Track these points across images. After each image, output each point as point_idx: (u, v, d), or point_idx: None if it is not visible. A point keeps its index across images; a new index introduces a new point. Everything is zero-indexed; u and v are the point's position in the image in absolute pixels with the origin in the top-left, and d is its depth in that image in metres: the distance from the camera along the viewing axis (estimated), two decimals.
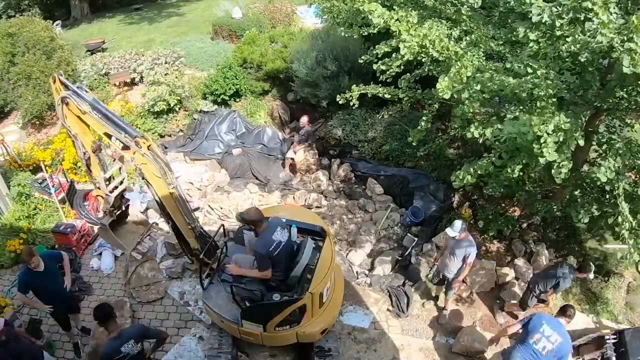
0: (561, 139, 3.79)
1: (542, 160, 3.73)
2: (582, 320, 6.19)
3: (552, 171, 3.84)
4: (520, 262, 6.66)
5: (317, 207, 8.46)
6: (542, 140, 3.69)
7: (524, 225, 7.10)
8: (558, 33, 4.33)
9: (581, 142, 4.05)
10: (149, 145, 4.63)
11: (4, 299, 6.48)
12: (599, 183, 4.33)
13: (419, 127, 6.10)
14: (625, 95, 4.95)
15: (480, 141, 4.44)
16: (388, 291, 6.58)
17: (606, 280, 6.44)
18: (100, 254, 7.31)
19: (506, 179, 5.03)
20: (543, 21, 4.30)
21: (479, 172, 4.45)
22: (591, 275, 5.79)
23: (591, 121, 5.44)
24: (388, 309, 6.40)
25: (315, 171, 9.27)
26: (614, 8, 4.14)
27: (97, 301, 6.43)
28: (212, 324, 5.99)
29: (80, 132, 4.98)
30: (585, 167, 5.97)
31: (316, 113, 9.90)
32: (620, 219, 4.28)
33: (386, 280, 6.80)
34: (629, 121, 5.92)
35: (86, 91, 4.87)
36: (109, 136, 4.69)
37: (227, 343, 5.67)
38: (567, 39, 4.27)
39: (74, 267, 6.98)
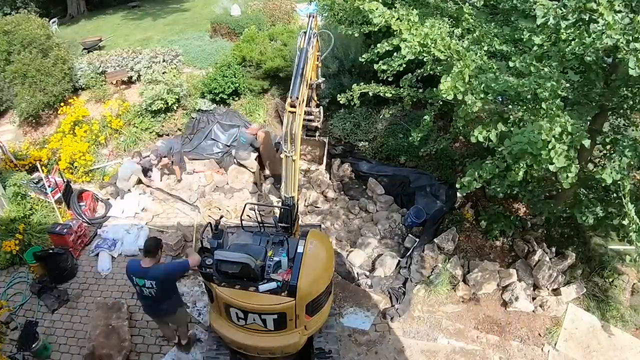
0: (567, 143, 3.71)
1: (551, 168, 3.65)
2: (587, 319, 6.14)
3: (560, 176, 3.77)
4: (522, 262, 6.59)
5: (317, 207, 8.38)
6: (549, 147, 3.61)
7: (528, 225, 7.03)
8: (563, 37, 4.24)
9: (586, 143, 3.98)
10: None
11: (0, 300, 6.41)
12: (603, 184, 4.26)
13: (421, 126, 6.03)
14: (629, 95, 4.87)
15: (485, 145, 4.36)
16: (389, 292, 6.52)
17: (611, 281, 6.39)
18: (97, 255, 7.23)
19: (510, 180, 4.96)
20: (548, 24, 4.21)
21: (484, 176, 4.37)
22: None
23: (596, 121, 5.36)
24: (380, 313, 6.30)
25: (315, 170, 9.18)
26: (619, 6, 4.06)
27: (94, 302, 6.38)
28: (210, 325, 5.91)
29: None
30: (590, 167, 5.90)
31: None
32: (627, 221, 4.21)
33: (387, 281, 6.74)
34: (633, 120, 5.84)
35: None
36: None
37: (225, 344, 5.59)
38: (572, 42, 4.19)
39: (70, 269, 6.91)
